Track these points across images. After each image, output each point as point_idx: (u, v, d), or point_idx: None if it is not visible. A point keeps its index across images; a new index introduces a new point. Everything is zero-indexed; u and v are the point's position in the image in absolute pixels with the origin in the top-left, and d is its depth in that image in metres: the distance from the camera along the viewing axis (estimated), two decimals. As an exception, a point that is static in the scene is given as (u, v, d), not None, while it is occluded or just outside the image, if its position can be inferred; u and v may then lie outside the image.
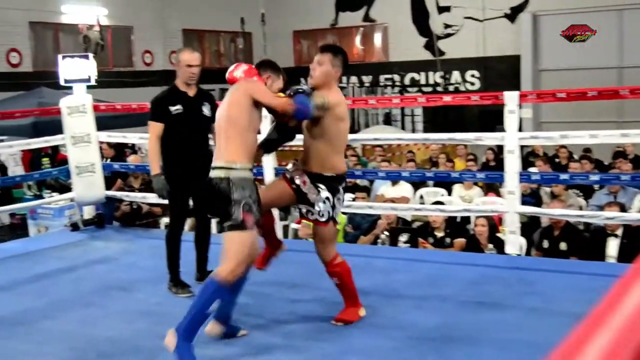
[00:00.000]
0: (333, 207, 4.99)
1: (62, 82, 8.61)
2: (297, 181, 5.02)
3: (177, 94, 5.91)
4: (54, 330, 5.28)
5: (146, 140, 6.37)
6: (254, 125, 4.64)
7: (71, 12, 19.04)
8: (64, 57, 8.65)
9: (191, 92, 5.95)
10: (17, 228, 13.45)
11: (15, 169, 14.65)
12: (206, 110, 5.98)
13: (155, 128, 5.82)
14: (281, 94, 4.88)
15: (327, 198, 4.94)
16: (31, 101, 15.45)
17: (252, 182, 4.59)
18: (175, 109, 5.79)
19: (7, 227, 13.82)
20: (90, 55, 8.93)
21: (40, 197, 12.42)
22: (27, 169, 14.70)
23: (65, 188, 10.90)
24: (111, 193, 8.91)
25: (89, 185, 8.49)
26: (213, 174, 4.49)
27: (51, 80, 16.61)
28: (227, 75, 4.81)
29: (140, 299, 5.96)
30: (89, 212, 8.87)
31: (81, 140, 8.44)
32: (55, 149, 13.68)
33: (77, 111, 8.42)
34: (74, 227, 8.75)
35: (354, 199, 9.49)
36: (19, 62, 18.38)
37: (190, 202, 6.11)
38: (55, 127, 9.05)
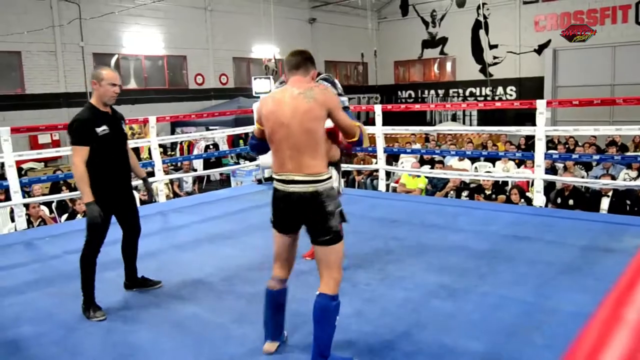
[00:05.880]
0: None
1: (254, 94, 8.80)
2: None
3: (100, 115, 3.79)
4: (249, 243, 5.41)
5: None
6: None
7: (258, 50, 19.34)
8: (254, 78, 8.82)
9: (109, 111, 3.89)
10: (224, 182, 13.95)
11: (224, 147, 15.14)
12: (124, 128, 4.01)
13: (82, 152, 3.67)
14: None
15: None
16: (233, 105, 15.93)
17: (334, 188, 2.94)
18: (102, 129, 3.74)
19: (218, 181, 14.37)
20: (270, 77, 9.08)
21: (238, 163, 12.79)
22: (230, 146, 15.15)
23: (253, 158, 11.17)
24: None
25: (267, 156, 8.56)
26: (295, 188, 2.82)
27: (246, 92, 17.12)
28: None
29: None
30: (268, 172, 9.06)
31: (264, 129, 8.59)
32: (247, 134, 13.99)
33: (262, 111, 8.56)
34: (259, 181, 8.96)
35: (432, 168, 9.32)
36: (226, 82, 18.87)
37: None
38: (249, 121, 9.27)
